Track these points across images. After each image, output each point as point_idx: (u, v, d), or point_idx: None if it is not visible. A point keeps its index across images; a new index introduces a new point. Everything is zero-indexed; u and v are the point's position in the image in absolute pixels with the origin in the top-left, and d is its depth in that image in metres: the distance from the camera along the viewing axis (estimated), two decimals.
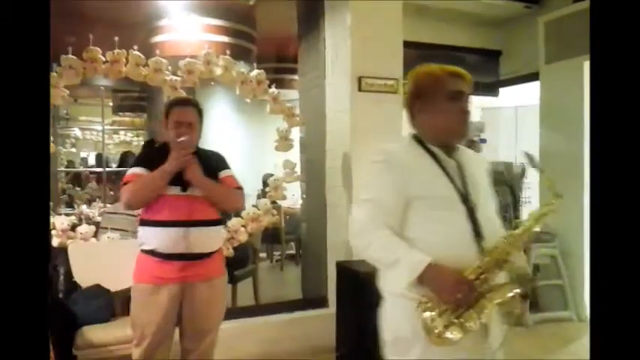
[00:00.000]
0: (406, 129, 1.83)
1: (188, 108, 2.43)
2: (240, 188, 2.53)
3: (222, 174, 2.49)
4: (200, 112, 2.46)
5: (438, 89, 1.67)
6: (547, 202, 1.64)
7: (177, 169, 2.30)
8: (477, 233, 1.59)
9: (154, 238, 2.31)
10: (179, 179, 2.32)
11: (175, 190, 2.32)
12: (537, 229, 1.63)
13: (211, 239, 2.42)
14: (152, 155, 2.42)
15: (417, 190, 1.60)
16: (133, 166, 2.40)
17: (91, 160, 8.37)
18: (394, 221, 1.60)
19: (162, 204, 2.31)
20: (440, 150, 1.68)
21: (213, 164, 2.48)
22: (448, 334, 1.49)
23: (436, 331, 1.50)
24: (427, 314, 1.51)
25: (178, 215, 2.29)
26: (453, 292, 1.49)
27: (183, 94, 3.47)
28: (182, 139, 2.31)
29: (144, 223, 2.37)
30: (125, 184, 2.34)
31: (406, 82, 1.79)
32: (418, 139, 1.72)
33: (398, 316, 1.61)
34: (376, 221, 1.59)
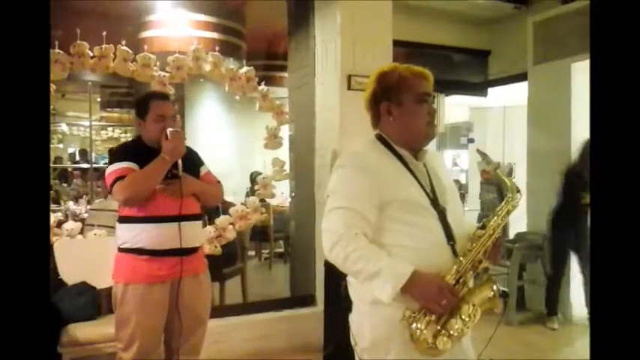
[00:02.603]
0: None
1: (168, 102, 2.43)
2: (219, 182, 2.59)
3: (203, 170, 2.53)
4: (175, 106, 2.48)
5: (407, 91, 1.63)
6: (508, 198, 1.64)
7: (175, 159, 2.28)
8: (449, 236, 1.59)
9: (144, 235, 2.27)
10: (168, 174, 2.29)
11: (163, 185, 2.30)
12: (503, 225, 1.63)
13: (199, 233, 2.47)
14: (131, 151, 2.36)
15: (390, 195, 1.56)
16: (118, 162, 2.29)
17: (77, 156, 8.31)
18: (369, 228, 1.55)
19: (154, 199, 2.27)
20: (407, 153, 1.65)
21: (194, 160, 2.51)
22: (437, 344, 1.49)
23: (427, 343, 1.49)
24: (414, 326, 1.50)
25: (172, 210, 2.27)
26: (437, 300, 1.48)
27: (171, 90, 3.45)
28: (176, 129, 2.31)
29: (129, 220, 2.30)
30: (117, 179, 2.23)
31: (367, 81, 1.73)
32: (383, 141, 1.67)
33: (374, 322, 1.58)
34: (352, 230, 1.52)
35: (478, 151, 1.75)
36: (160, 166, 2.26)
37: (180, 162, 2.31)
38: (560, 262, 4.39)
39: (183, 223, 2.29)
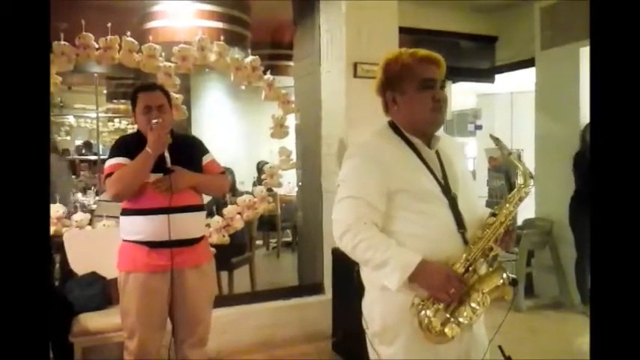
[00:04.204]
0: None
1: (155, 92, 2.40)
2: (223, 172, 2.56)
3: (205, 159, 2.50)
4: (168, 96, 2.45)
5: (410, 79, 1.60)
6: (520, 186, 1.62)
7: (158, 151, 2.25)
8: (460, 224, 1.58)
9: (140, 226, 2.29)
10: (158, 166, 2.28)
11: (156, 178, 2.29)
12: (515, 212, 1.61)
13: (193, 225, 2.40)
14: (128, 145, 2.36)
15: (399, 184, 1.56)
16: (111, 158, 2.33)
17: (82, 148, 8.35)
18: (378, 217, 1.56)
19: (145, 192, 2.28)
20: (419, 140, 1.63)
21: (195, 149, 2.49)
22: (446, 331, 1.49)
23: (435, 330, 1.50)
24: (422, 314, 1.51)
25: (160, 202, 2.26)
26: (445, 289, 1.48)
27: (177, 80, 3.45)
28: (156, 120, 2.28)
29: (127, 212, 2.34)
30: (108, 175, 2.27)
31: (375, 68, 1.71)
32: (395, 128, 1.66)
33: (384, 307, 1.59)
34: (362, 220, 1.54)
35: (491, 136, 1.73)
36: (144, 160, 2.24)
37: (167, 155, 2.28)
38: (585, 248, 4.25)
39: (173, 216, 2.27)
